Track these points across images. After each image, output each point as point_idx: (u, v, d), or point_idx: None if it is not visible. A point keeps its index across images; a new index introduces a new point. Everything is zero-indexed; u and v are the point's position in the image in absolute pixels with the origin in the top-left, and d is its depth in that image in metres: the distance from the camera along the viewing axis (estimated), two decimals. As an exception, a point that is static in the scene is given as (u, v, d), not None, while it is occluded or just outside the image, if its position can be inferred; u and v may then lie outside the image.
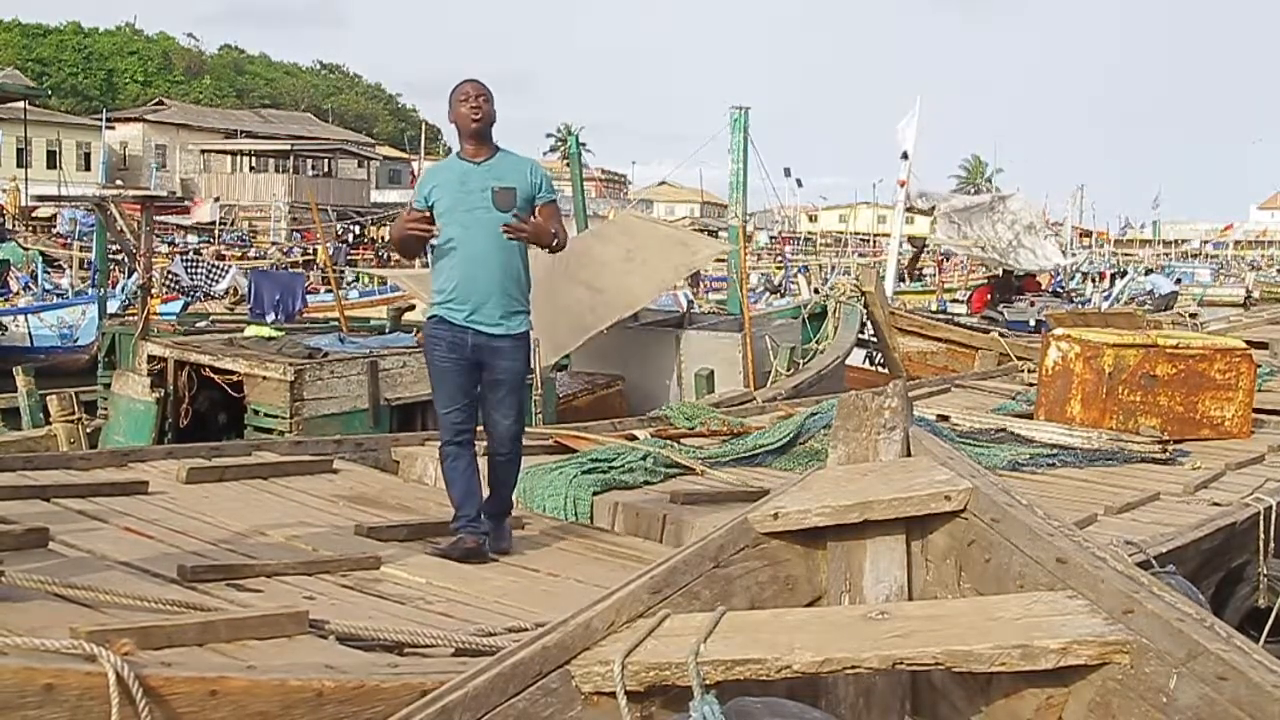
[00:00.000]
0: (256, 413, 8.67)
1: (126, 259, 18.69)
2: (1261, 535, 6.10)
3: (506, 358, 5.06)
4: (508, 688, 2.43)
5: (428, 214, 5.06)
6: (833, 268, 35.58)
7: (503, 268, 5.02)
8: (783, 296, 30.43)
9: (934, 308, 25.27)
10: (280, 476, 6.27)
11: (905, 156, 20.46)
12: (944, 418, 8.22)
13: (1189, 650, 2.14)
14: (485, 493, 5.21)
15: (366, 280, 28.21)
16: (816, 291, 18.89)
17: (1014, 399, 10.18)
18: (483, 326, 5.00)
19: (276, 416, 8.54)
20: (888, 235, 28.07)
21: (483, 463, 5.27)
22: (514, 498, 5.49)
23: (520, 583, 4.73)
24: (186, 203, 48.28)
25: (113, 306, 16.49)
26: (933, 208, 21.67)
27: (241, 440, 7.74)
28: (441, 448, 5.19)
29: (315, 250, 32.69)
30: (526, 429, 7.84)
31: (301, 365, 8.70)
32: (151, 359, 9.39)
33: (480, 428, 5.25)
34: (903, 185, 20.92)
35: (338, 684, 2.96)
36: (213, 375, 9.10)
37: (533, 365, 9.42)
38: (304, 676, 2.94)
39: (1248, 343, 9.37)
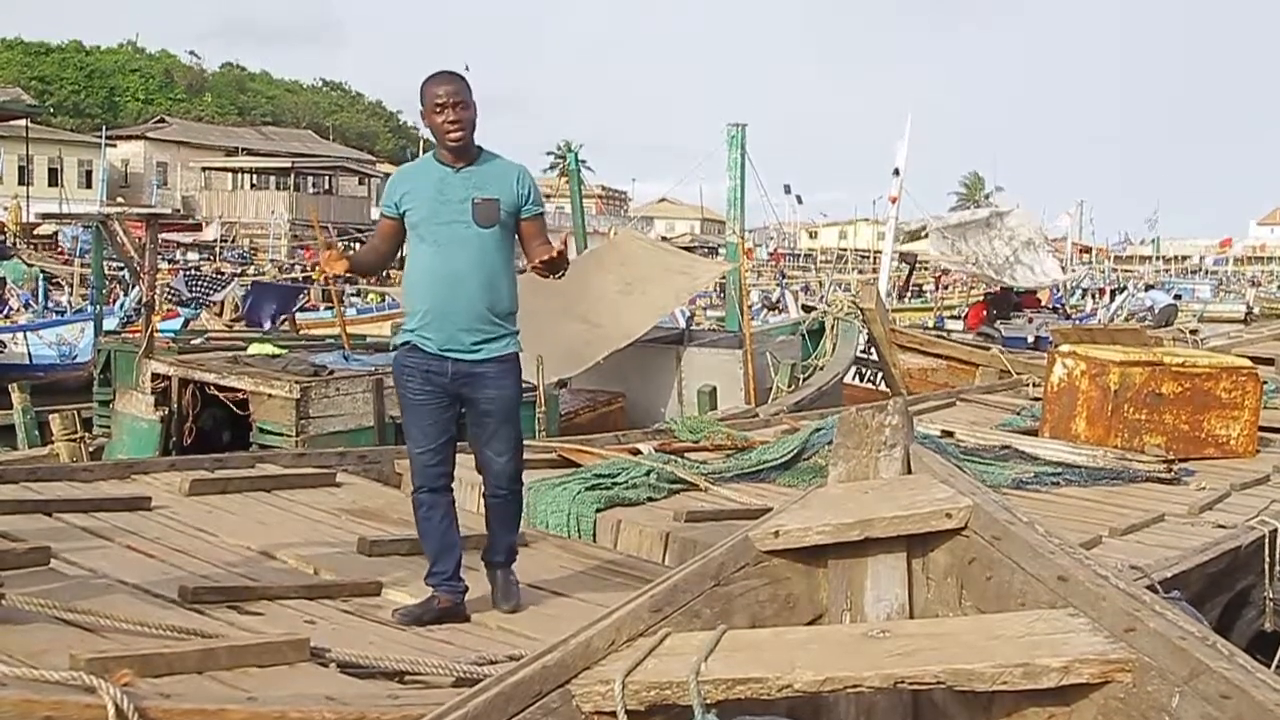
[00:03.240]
0: (262, 430, 8.68)
1: (129, 276, 18.73)
2: (1268, 558, 6.07)
3: (492, 385, 4.43)
4: (508, 707, 2.43)
5: (397, 223, 4.49)
6: (822, 284, 35.58)
7: (483, 288, 4.39)
8: (780, 313, 30.46)
9: (930, 324, 25.28)
10: (283, 489, 6.27)
11: (897, 173, 20.50)
12: (948, 433, 8.21)
13: (1191, 669, 2.14)
14: (486, 537, 4.73)
15: (372, 297, 28.22)
16: (806, 309, 18.84)
17: (1018, 414, 10.17)
18: (460, 354, 4.40)
19: (282, 434, 8.54)
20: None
21: (462, 495, 4.90)
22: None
23: (523, 605, 4.71)
24: (190, 220, 48.38)
25: (111, 324, 16.50)
26: (923, 227, 21.73)
27: (245, 452, 7.75)
28: (413, 495, 4.57)
29: (315, 267, 32.71)
30: (528, 442, 7.86)
31: (307, 383, 8.72)
32: (156, 377, 9.41)
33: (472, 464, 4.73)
34: (894, 201, 20.96)
35: (338, 715, 2.95)
36: (217, 393, 9.11)
37: (536, 383, 9.53)
38: (304, 708, 2.94)
39: (1253, 359, 9.35)
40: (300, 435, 8.47)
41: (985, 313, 22.67)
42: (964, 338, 18.99)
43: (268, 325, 16.72)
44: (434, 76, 4.47)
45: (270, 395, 8.70)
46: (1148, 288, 43.03)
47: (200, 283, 23.83)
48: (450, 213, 4.38)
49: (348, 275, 4.54)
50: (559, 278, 4.53)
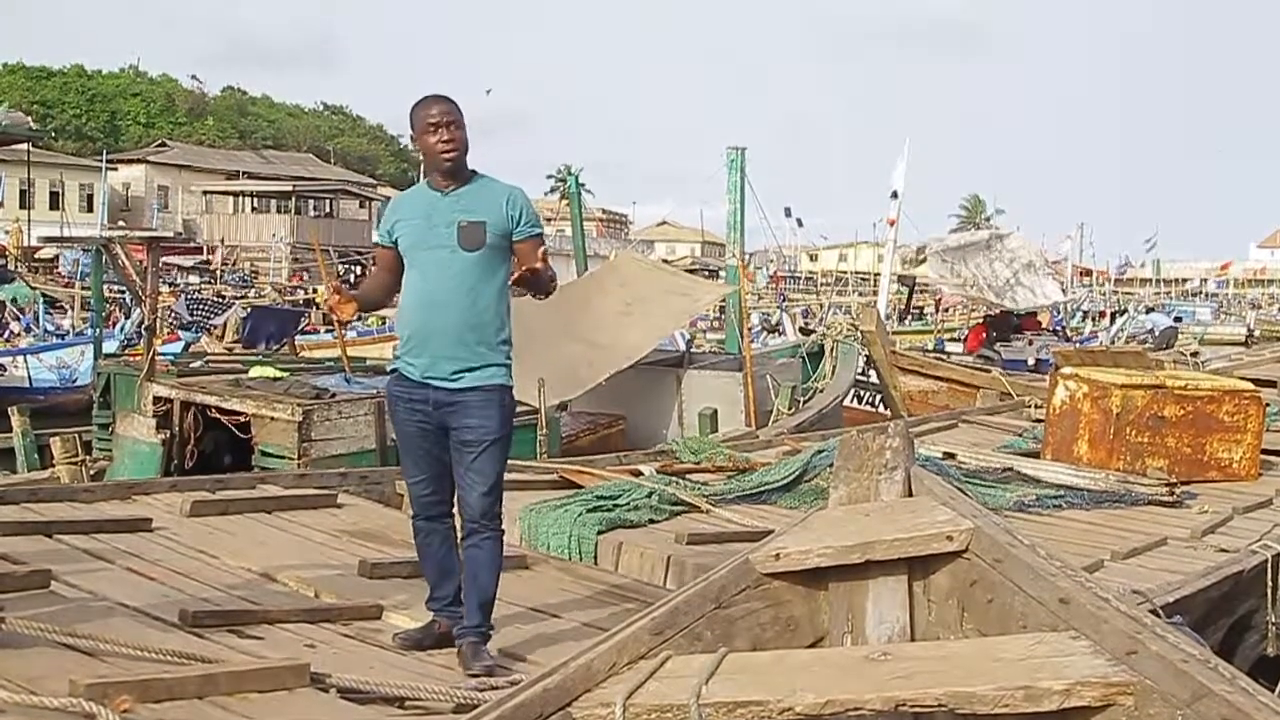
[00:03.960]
0: (265, 453, 8.68)
1: (130, 299, 18.76)
2: (1270, 582, 6.05)
3: (474, 415, 4.23)
4: (510, 731, 2.43)
5: (393, 252, 4.40)
6: (822, 305, 35.61)
7: (466, 313, 4.23)
8: (779, 336, 30.48)
9: (930, 346, 25.29)
10: (284, 510, 6.27)
11: (895, 195, 20.53)
12: (950, 455, 8.21)
13: (1194, 692, 2.14)
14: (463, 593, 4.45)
15: (372, 320, 28.25)
16: (804, 331, 18.87)
17: (1020, 435, 10.17)
18: (442, 382, 4.25)
19: (284, 457, 8.53)
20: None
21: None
22: (517, 541, 5.18)
23: (524, 628, 4.70)
24: (191, 243, 48.51)
25: (111, 347, 16.50)
26: (922, 248, 21.80)
27: (246, 472, 7.75)
28: (413, 522, 4.54)
29: (316, 289, 32.78)
30: (530, 463, 7.87)
31: (310, 406, 8.73)
32: (157, 400, 9.41)
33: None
34: (893, 224, 21.00)
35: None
36: (219, 416, 9.12)
37: (537, 405, 9.54)
38: None
39: (1257, 381, 9.33)
40: (302, 458, 8.47)
41: (985, 335, 22.63)
42: (964, 360, 18.98)
43: (265, 346, 16.73)
44: (425, 99, 4.37)
45: (273, 418, 8.70)
46: (1148, 310, 43.15)
47: (201, 306, 23.86)
48: (436, 237, 4.27)
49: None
50: (542, 297, 4.39)
